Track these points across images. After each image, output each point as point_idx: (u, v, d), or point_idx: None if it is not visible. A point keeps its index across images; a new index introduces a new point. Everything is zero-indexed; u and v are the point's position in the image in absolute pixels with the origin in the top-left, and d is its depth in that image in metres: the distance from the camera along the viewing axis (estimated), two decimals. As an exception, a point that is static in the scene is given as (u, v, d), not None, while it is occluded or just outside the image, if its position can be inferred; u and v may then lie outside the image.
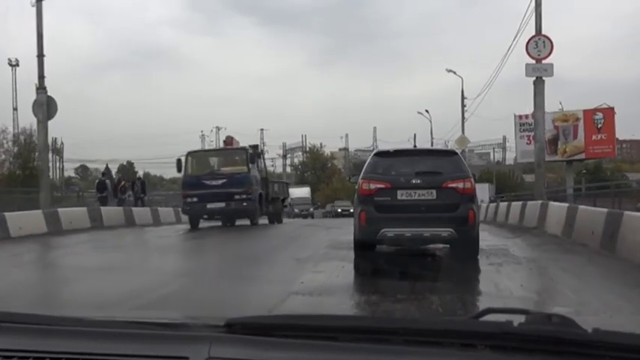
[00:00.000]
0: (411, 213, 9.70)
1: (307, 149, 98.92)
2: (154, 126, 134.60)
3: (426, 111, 58.80)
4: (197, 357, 1.36)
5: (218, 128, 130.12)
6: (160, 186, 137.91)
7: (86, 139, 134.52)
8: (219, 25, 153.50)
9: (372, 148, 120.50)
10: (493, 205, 28.23)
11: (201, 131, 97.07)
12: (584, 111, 40.30)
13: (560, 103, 45.32)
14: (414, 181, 9.88)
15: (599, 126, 39.81)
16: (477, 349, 1.35)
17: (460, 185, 9.82)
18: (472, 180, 10.16)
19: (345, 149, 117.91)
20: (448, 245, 10.77)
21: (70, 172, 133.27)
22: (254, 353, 1.37)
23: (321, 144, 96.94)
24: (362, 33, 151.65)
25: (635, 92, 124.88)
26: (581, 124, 40.16)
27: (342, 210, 51.49)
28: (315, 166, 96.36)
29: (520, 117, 42.02)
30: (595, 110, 40.17)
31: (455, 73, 37.56)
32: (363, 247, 10.21)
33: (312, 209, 56.86)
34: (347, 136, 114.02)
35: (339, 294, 7.53)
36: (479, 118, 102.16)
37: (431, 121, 58.51)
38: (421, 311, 6.21)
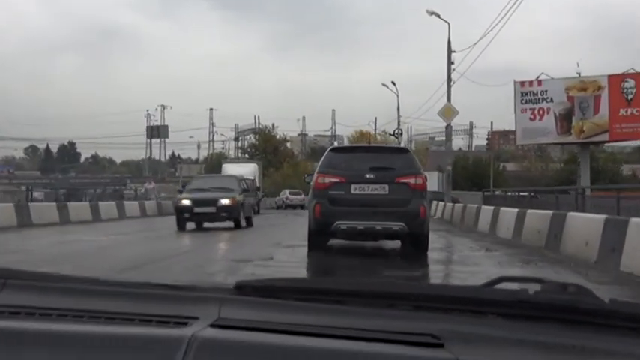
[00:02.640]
0: (364, 207, 10.04)
1: (258, 131, 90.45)
2: (105, 106, 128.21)
3: (393, 83, 48.26)
4: (207, 317, 1.34)
5: (163, 106, 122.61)
6: (108, 169, 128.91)
7: (39, 117, 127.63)
8: (175, 8, 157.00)
9: (330, 132, 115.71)
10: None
11: (147, 110, 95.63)
12: (610, 77, 29.93)
13: (578, 65, 34.70)
14: (367, 176, 10.19)
15: (630, 97, 29.48)
16: (489, 317, 1.33)
17: (412, 181, 10.16)
18: (423, 176, 10.47)
19: (303, 134, 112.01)
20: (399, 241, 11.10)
21: (19, 152, 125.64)
22: (264, 315, 1.37)
23: (273, 125, 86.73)
24: (320, 19, 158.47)
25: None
26: (604, 94, 29.80)
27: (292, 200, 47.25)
28: (267, 150, 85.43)
29: (522, 84, 31.45)
30: (624, 75, 29.76)
31: (439, 16, 26.64)
32: (317, 238, 10.55)
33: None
34: (304, 118, 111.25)
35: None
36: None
37: (398, 95, 47.99)
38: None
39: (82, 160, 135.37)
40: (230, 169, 33.26)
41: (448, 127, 27.58)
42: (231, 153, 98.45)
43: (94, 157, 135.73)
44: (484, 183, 52.21)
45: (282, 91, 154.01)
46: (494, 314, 1.32)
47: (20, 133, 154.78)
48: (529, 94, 30.82)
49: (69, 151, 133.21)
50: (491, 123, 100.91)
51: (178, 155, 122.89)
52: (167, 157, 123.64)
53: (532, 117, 30.79)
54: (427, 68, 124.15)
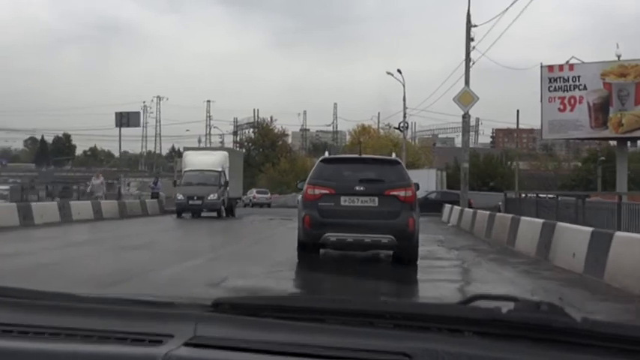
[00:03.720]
0: (354, 219, 10.00)
1: (256, 124, 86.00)
2: (102, 98, 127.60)
3: (398, 71, 43.90)
4: (182, 335, 1.35)
5: (159, 98, 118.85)
6: (105, 162, 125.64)
7: (35, 109, 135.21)
8: (180, 2, 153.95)
9: (331, 126, 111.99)
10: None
11: (143, 102, 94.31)
12: (656, 60, 25.55)
13: (618, 46, 30.41)
14: (357, 188, 10.18)
15: (679, 85, 25.13)
16: (465, 336, 1.35)
17: (401, 193, 10.15)
18: (413, 188, 10.34)
19: (305, 129, 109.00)
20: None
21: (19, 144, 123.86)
22: (241, 333, 1.37)
23: (271, 118, 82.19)
24: (323, 16, 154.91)
25: None
26: (648, 81, 25.45)
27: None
28: (264, 144, 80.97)
29: (550, 68, 27.01)
30: (673, 59, 25.44)
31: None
32: (306, 249, 10.54)
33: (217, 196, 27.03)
34: (305, 113, 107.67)
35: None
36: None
37: (404, 85, 43.52)
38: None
39: (80, 152, 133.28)
40: (193, 158, 27.74)
41: (466, 116, 23.19)
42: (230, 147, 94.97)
43: (92, 149, 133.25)
44: (496, 183, 47.85)
45: (283, 87, 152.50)
46: (470, 332, 1.34)
47: (17, 124, 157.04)
48: (558, 80, 26.43)
49: (64, 142, 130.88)
50: (519, 115, 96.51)
51: (179, 149, 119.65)
52: (165, 151, 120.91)
53: (561, 107, 26.40)
54: (431, 65, 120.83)
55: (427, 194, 37.25)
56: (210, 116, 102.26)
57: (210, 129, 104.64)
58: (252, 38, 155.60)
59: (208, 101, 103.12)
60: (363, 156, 13.00)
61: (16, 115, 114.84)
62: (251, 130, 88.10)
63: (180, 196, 24.89)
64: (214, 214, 25.48)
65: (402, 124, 44.87)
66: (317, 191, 10.17)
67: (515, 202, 23.64)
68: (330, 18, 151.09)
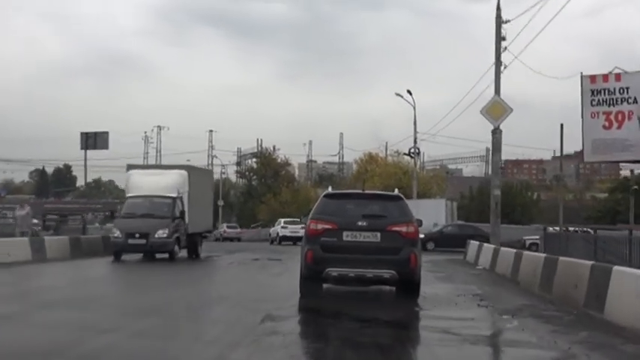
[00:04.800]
0: (356, 254, 10.04)
1: (259, 154, 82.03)
2: (105, 129, 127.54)
3: (408, 92, 40.05)
4: None
5: (160, 127, 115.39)
6: (108, 193, 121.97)
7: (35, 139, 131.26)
8: (186, 36, 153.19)
9: (337, 156, 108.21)
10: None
11: (145, 132, 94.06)
12: None
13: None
14: (359, 223, 10.21)
15: None
16: None
17: (404, 229, 10.19)
18: (415, 224, 10.44)
19: (311, 161, 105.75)
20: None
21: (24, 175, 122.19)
22: None
23: (274, 147, 77.89)
24: (327, 49, 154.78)
25: None
26: None
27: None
28: (267, 174, 76.65)
29: (592, 79, 22.77)
30: None
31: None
32: (309, 284, 10.52)
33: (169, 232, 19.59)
34: (310, 143, 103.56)
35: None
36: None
37: (414, 107, 39.57)
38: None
39: (82, 183, 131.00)
40: (138, 179, 20.75)
41: (496, 132, 18.87)
42: (232, 178, 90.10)
43: (96, 181, 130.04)
44: (515, 215, 43.33)
45: (288, 119, 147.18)
46: None
47: (18, 155, 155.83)
48: (603, 92, 22.21)
49: (64, 174, 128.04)
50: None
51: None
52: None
53: (606, 124, 22.15)
54: (437, 98, 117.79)
55: (442, 228, 32.77)
56: (212, 146, 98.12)
57: (212, 159, 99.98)
58: (258, 70, 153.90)
59: (211, 131, 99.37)
60: (366, 192, 12.95)
61: (16, 144, 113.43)
62: (253, 160, 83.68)
63: (116, 233, 18.72)
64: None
65: (412, 150, 40.66)
66: (320, 226, 10.27)
67: (556, 238, 19.23)
68: (336, 49, 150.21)
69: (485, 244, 18.47)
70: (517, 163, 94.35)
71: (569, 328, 7.66)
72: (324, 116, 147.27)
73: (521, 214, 42.39)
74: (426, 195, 44.30)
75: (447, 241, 30.46)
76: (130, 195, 20.36)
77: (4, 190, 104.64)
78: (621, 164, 43.24)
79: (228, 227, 52.27)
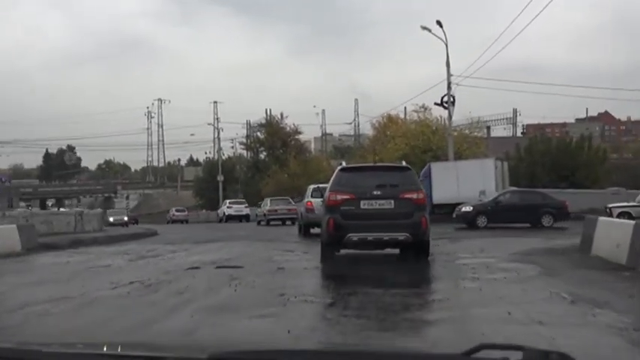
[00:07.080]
0: (373, 220, 11.42)
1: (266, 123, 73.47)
2: (106, 106, 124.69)
3: (438, 23, 31.34)
4: None
5: (161, 101, 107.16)
6: (119, 175, 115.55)
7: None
8: (194, 15, 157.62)
9: (352, 124, 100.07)
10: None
11: (147, 107, 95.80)
12: None
13: None
14: (375, 192, 11.56)
15: None
16: None
17: (414, 196, 11.56)
18: (423, 191, 12.07)
19: (326, 134, 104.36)
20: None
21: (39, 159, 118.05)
22: None
23: (281, 114, 69.13)
24: (335, 24, 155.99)
25: None
26: None
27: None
28: (275, 145, 67.98)
29: None
30: None
31: None
32: (329, 249, 11.98)
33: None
34: (323, 112, 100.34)
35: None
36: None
37: (447, 44, 30.90)
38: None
39: (93, 165, 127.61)
40: None
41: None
42: (240, 151, 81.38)
43: (107, 162, 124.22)
44: (577, 176, 34.60)
45: (299, 93, 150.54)
46: None
47: (25, 136, 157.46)
48: None
49: (69, 155, 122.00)
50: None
51: (178, 159, 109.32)
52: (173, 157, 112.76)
53: None
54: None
55: (498, 196, 24.12)
56: (217, 118, 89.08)
57: (218, 133, 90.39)
58: (267, 47, 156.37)
59: (215, 102, 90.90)
60: (378, 164, 14.54)
61: (26, 125, 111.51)
62: (262, 131, 74.80)
63: None
64: None
65: (445, 100, 31.96)
66: (339, 197, 11.50)
67: None
68: (346, 23, 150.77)
69: (626, 222, 9.96)
70: (539, 127, 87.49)
71: None
72: (337, 89, 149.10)
73: (585, 176, 33.64)
74: (462, 157, 35.66)
75: (505, 215, 22.00)
76: None
77: (4, 176, 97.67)
78: None
79: (176, 211, 55.45)
